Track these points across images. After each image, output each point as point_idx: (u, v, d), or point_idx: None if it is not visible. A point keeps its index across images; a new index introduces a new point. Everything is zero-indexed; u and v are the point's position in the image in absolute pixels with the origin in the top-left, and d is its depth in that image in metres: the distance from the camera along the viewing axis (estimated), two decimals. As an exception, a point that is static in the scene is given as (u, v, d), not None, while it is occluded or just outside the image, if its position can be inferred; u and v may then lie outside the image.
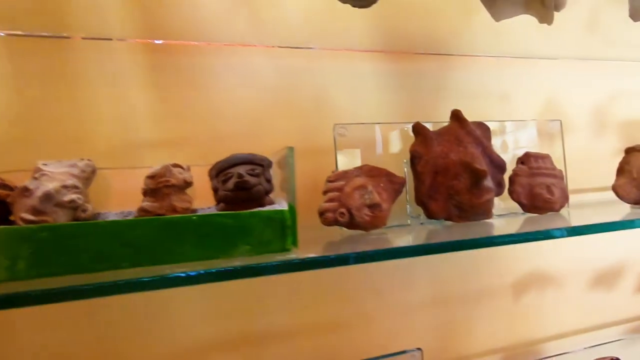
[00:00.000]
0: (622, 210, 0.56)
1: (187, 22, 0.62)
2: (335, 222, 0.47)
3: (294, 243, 0.36)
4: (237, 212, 0.34)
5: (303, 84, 0.67)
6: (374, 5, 0.57)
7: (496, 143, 0.62)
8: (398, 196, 0.51)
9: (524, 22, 0.82)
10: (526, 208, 0.56)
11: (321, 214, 0.47)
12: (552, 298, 0.79)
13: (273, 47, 0.66)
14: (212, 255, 0.33)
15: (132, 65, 0.60)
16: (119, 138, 0.56)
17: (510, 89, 0.79)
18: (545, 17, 0.58)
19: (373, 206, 0.46)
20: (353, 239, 0.47)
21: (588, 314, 0.82)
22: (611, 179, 0.60)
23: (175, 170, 0.38)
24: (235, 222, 0.34)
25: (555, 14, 0.60)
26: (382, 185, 0.49)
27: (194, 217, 0.33)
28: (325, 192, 0.48)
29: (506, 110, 0.78)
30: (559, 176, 0.57)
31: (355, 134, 0.53)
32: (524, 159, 0.57)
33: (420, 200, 0.51)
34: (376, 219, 0.47)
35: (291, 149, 0.36)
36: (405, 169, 0.56)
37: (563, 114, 0.83)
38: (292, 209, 0.36)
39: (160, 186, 0.36)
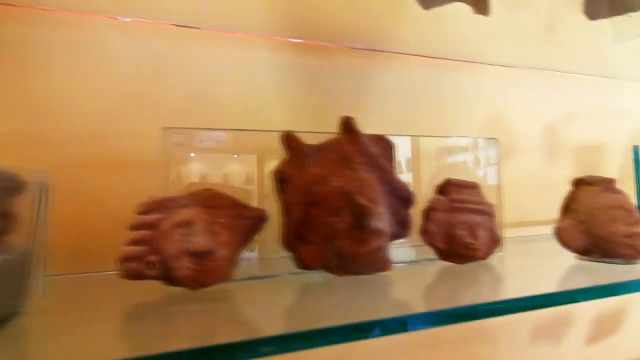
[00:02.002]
0: (565, 262, 0.43)
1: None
2: (139, 276, 0.31)
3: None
4: None
5: (179, 75, 0.51)
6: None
7: (414, 166, 0.48)
8: (253, 236, 0.35)
9: (471, 21, 0.69)
10: (443, 255, 0.42)
11: (121, 261, 0.31)
12: (491, 352, 0.65)
13: (141, 21, 0.50)
14: None
15: None
16: None
17: (448, 97, 0.66)
18: (481, 6, 0.45)
19: (198, 254, 0.31)
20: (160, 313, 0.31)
21: (531, 369, 0.69)
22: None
23: None
24: None
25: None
26: (222, 221, 0.33)
27: None
28: (131, 229, 0.32)
29: (441, 123, 0.65)
30: (488, 212, 0.43)
31: (204, 143, 0.38)
32: (444, 188, 0.43)
33: (286, 242, 0.36)
34: (203, 274, 0.31)
35: (45, 174, 0.19)
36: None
37: (510, 130, 0.71)
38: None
39: None
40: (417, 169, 0.47)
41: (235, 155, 0.41)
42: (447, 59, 0.66)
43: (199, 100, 0.52)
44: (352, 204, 0.33)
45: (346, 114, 0.61)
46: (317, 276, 0.39)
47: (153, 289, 0.34)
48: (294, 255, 0.36)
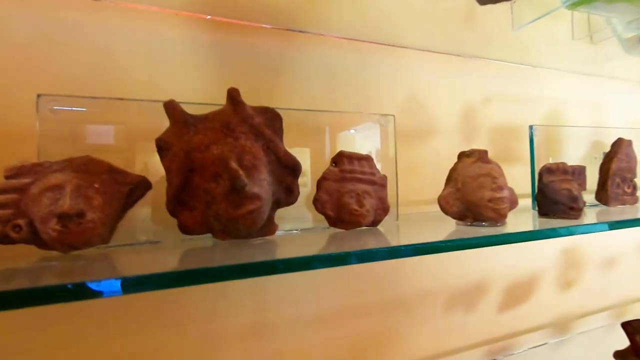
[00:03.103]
0: (448, 228, 0.46)
1: None
2: (5, 239, 0.32)
3: None
4: None
5: (81, 47, 0.51)
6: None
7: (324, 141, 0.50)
8: (133, 202, 0.36)
9: (391, 4, 0.71)
10: (332, 221, 0.44)
11: (-14, 225, 0.31)
12: (406, 321, 0.70)
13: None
14: None
15: None
16: None
17: (366, 79, 0.69)
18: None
19: (65, 216, 0.31)
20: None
21: (445, 337, 0.74)
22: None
23: None
24: None
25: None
26: (97, 186, 0.34)
27: None
28: (-1, 193, 0.32)
29: (359, 105, 0.67)
30: (379, 183, 0.46)
31: (86, 113, 0.38)
32: (337, 159, 0.46)
33: (168, 208, 0.37)
34: (71, 236, 0.32)
35: None
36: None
37: (427, 113, 0.74)
38: None
39: None
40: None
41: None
42: (366, 41, 0.68)
43: (99, 73, 0.51)
44: (226, 169, 0.35)
45: (260, 93, 0.63)
46: (208, 241, 0.40)
47: (29, 255, 0.34)
48: (177, 221, 0.37)
